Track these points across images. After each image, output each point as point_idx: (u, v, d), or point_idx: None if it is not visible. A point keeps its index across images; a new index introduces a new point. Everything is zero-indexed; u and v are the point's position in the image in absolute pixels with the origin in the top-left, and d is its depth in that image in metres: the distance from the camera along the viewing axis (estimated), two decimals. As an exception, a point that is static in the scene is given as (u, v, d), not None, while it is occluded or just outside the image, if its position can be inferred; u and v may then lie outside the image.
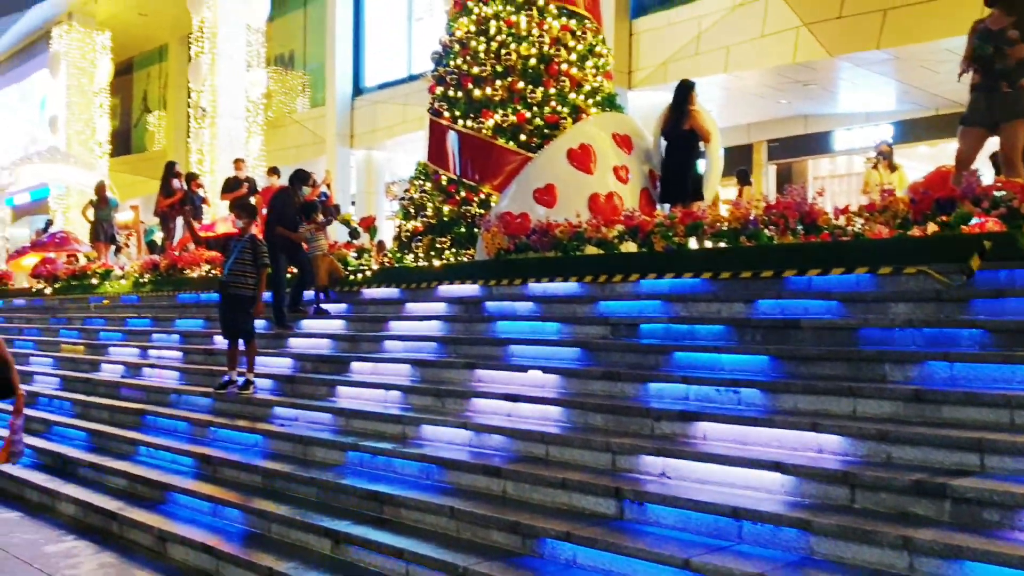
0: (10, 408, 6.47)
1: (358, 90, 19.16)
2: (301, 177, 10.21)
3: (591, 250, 8.37)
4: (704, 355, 6.14)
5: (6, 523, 6.96)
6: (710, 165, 9.74)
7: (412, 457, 6.09)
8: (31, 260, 17.75)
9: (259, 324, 9.44)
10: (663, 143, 9.77)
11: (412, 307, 9.47)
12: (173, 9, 19.82)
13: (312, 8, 20.24)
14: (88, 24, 21.66)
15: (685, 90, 9.46)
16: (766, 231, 7.15)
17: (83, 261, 16.37)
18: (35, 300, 16.27)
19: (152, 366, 10.12)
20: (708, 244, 7.82)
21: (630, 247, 8.19)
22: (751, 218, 7.23)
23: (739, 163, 12.19)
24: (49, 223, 20.96)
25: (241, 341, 8.36)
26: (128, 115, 26.68)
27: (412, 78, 17.68)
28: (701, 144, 9.52)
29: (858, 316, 5.95)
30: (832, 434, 4.64)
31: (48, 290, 16.19)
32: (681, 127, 9.40)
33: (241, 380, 8.28)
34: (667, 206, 9.55)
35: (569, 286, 8.14)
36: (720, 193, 11.39)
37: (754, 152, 16.14)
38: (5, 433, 6.52)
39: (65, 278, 15.93)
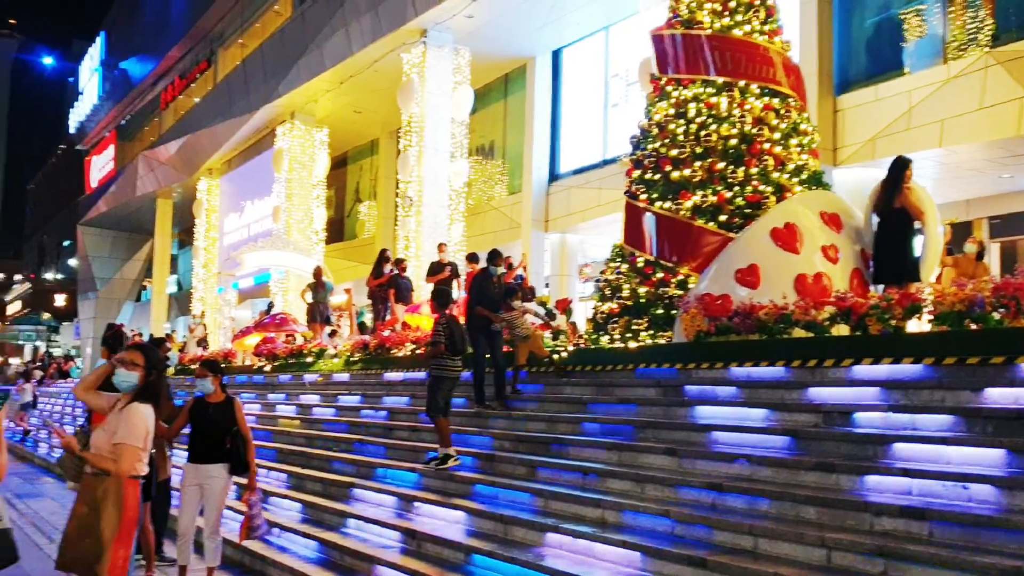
0: (244, 481, 6.90)
1: (553, 176, 19.68)
2: (494, 256, 10.51)
3: (799, 333, 8.02)
4: (928, 446, 5.70)
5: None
6: (927, 244, 9.16)
7: (613, 543, 5.97)
8: (253, 339, 19.15)
9: (458, 402, 9.71)
10: (875, 220, 9.31)
11: (611, 389, 9.41)
12: (385, 106, 21.25)
13: (512, 100, 21.11)
14: (308, 122, 23.54)
15: (900, 167, 9.01)
16: (995, 314, 6.62)
17: (300, 341, 17.50)
18: (256, 377, 17.47)
19: (361, 441, 10.55)
20: (927, 327, 7.32)
21: (842, 330, 7.79)
22: (978, 299, 6.72)
23: (961, 241, 11.33)
24: (270, 305, 22.56)
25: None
26: (342, 205, 28.57)
27: (606, 163, 17.98)
28: (916, 222, 9.01)
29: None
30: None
31: (268, 367, 17.36)
32: (893, 204, 8.96)
33: (438, 455, 8.55)
34: (881, 287, 9.05)
35: (775, 371, 7.82)
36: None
37: (974, 230, 15.11)
38: (244, 510, 6.95)
39: (283, 357, 17.06)
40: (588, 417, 8.72)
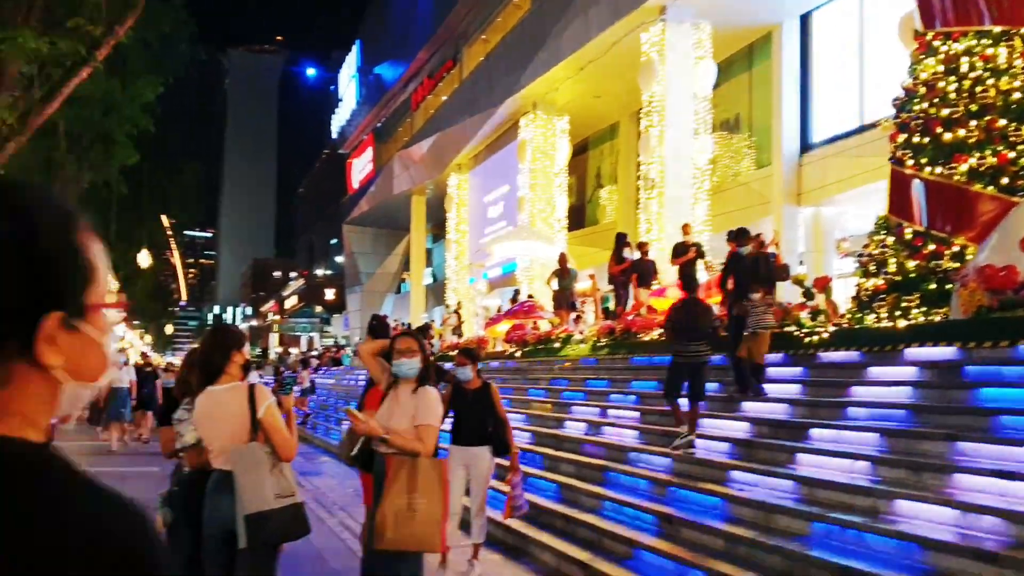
0: (507, 464, 7.11)
1: (805, 146, 18.67)
2: (742, 234, 10.09)
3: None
4: None
5: (493, 563, 7.62)
6: None
7: (888, 533, 5.56)
8: (504, 327, 19.79)
9: (712, 387, 9.47)
10: None
11: (875, 371, 8.77)
12: (624, 89, 21.15)
13: (757, 70, 20.28)
14: (549, 111, 23.89)
15: None
16: None
17: (547, 327, 17.85)
18: (508, 362, 18.03)
19: (611, 425, 10.57)
20: None
21: None
22: None
23: None
24: (517, 293, 23.21)
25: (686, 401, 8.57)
26: (583, 191, 28.82)
27: (864, 128, 16.79)
28: None
29: None
30: None
31: (518, 353, 17.87)
32: None
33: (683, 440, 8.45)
34: None
35: (1075, 348, 6.95)
36: None
37: None
38: (507, 489, 7.17)
39: (532, 343, 17.49)
40: (852, 401, 8.21)
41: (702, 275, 13.67)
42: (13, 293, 0.84)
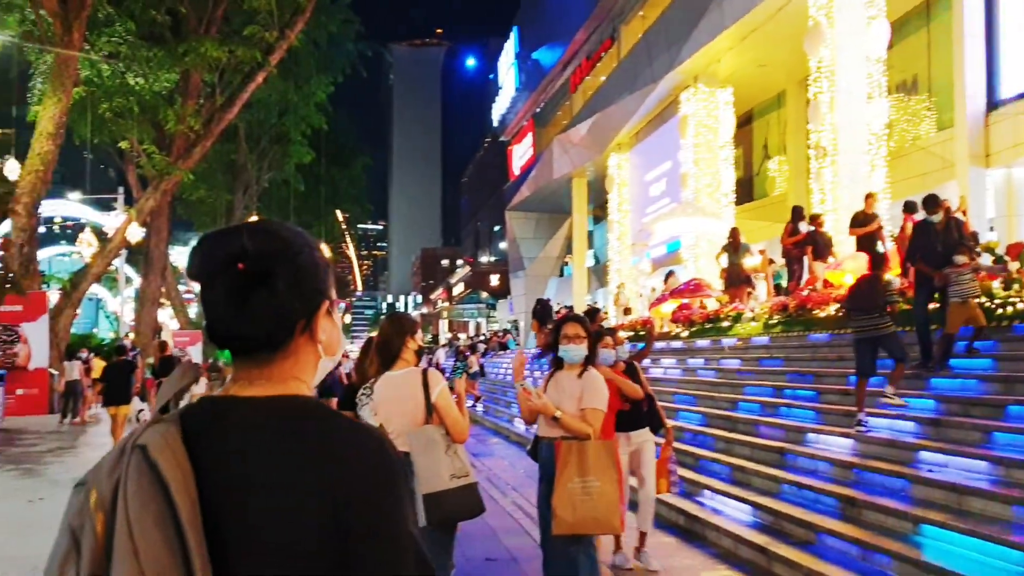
0: (661, 441, 7.02)
1: (992, 104, 17.28)
2: (931, 202, 9.47)
3: None
4: None
5: (667, 547, 7.54)
6: None
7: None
8: (669, 306, 19.48)
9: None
10: None
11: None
12: (790, 56, 20.30)
13: (936, 25, 18.95)
14: (712, 84, 23.23)
15: None
16: None
17: (714, 306, 17.44)
18: (673, 343, 17.75)
19: (787, 406, 10.21)
20: None
21: None
22: None
23: None
24: (671, 273, 22.85)
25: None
26: (749, 164, 27.93)
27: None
28: None
29: None
30: None
31: (684, 333, 17.56)
32: None
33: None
34: None
35: None
36: None
37: None
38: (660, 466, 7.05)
39: (700, 322, 17.13)
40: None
41: (885, 246, 12.97)
42: (308, 289, 1.31)
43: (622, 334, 7.02)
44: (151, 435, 1.19)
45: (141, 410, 16.56)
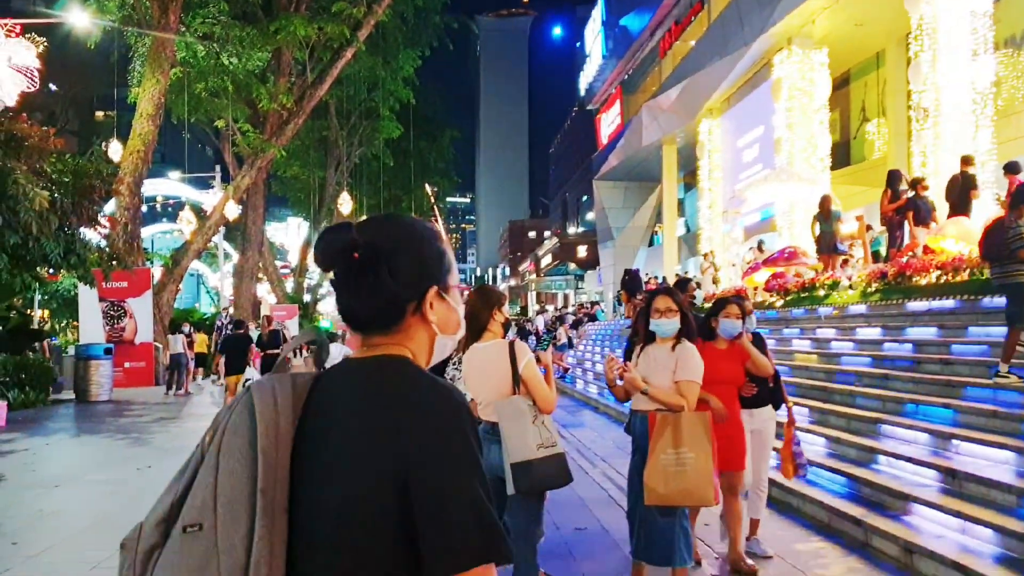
0: (784, 421, 6.65)
1: (1110, 58, 16.33)
2: None
3: None
4: None
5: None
6: None
7: None
8: (763, 275, 19.09)
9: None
10: None
11: None
12: (889, 13, 19.49)
13: (1048, -25, 17.95)
14: (806, 45, 22.47)
15: None
16: None
17: (810, 274, 17.00)
18: (768, 312, 17.40)
19: (885, 376, 9.93)
20: None
21: None
22: None
23: None
24: (760, 242, 22.34)
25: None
26: (847, 127, 27.02)
27: None
28: None
29: None
30: None
31: (779, 302, 17.19)
32: None
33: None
34: None
35: None
36: None
37: None
38: (780, 447, 6.71)
39: (795, 291, 16.74)
40: None
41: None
42: (414, 275, 1.48)
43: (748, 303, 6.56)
44: (261, 381, 1.43)
45: (248, 379, 17.26)
